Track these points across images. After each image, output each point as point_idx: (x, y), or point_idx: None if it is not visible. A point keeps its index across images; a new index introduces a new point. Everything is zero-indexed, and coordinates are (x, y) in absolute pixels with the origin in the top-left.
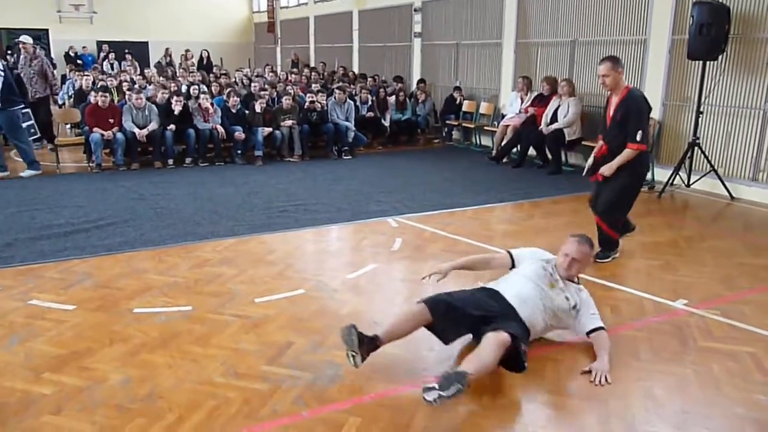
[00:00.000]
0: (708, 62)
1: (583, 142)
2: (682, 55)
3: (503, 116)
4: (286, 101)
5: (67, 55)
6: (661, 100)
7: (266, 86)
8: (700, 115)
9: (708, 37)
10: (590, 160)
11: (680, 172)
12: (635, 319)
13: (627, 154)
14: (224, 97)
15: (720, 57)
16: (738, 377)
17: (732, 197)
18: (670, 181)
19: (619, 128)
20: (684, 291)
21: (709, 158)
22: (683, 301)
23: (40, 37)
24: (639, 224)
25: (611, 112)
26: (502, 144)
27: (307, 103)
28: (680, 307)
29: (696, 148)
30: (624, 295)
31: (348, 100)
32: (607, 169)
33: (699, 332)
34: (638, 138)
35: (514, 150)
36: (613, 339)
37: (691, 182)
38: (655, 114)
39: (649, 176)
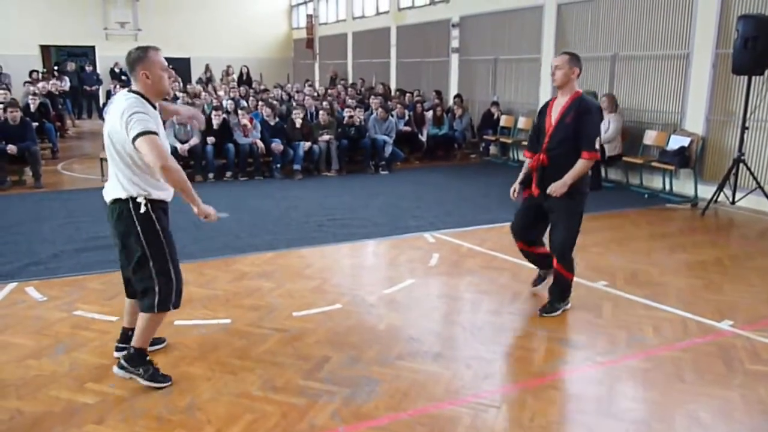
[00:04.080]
0: (754, 77)
1: (624, 158)
2: (726, 70)
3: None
4: (322, 116)
5: (112, 71)
6: (704, 116)
7: (306, 100)
8: (746, 131)
9: (754, 51)
10: (523, 173)
11: (725, 189)
12: (679, 340)
13: (583, 165)
14: (259, 111)
15: (766, 71)
16: None
17: None
18: (714, 198)
19: (566, 133)
20: (729, 311)
21: (755, 175)
22: (729, 322)
23: (87, 53)
24: (681, 242)
25: (556, 116)
26: None
27: (345, 118)
28: (726, 328)
29: (741, 164)
30: (667, 314)
31: (389, 117)
32: (559, 187)
33: (746, 354)
34: (596, 146)
35: None
36: (656, 360)
37: (736, 199)
38: (698, 129)
39: (691, 193)
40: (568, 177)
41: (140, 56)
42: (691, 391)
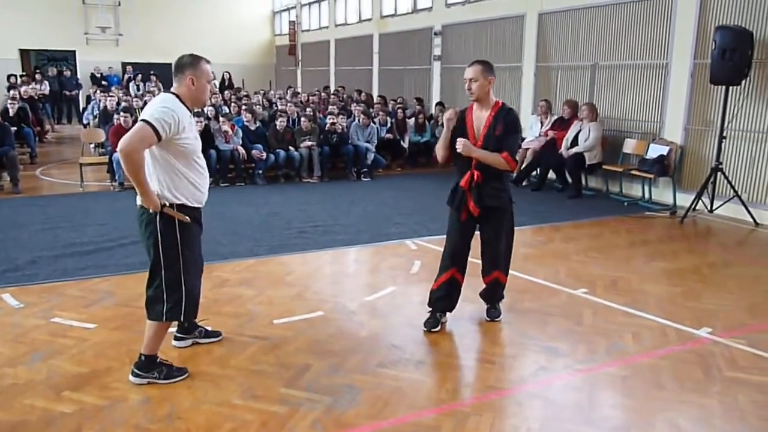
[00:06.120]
0: (731, 87)
1: (604, 166)
2: (704, 80)
3: (523, 139)
4: (304, 122)
5: (92, 76)
6: (682, 125)
7: (288, 106)
8: (723, 140)
9: (731, 61)
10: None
11: (703, 198)
12: (658, 348)
13: (499, 159)
14: (242, 117)
15: (743, 82)
16: (764, 409)
17: (756, 223)
18: (693, 207)
19: (496, 146)
20: (708, 319)
21: (733, 183)
22: (707, 330)
23: (68, 58)
24: (660, 250)
25: (482, 129)
26: (522, 167)
27: (327, 125)
28: (704, 336)
29: (719, 173)
30: (646, 322)
31: (371, 123)
32: (468, 148)
33: (724, 362)
34: (516, 157)
35: (534, 173)
36: (635, 368)
37: (714, 207)
38: (677, 138)
39: (670, 201)
40: (480, 153)
41: (192, 62)
42: (670, 399)
